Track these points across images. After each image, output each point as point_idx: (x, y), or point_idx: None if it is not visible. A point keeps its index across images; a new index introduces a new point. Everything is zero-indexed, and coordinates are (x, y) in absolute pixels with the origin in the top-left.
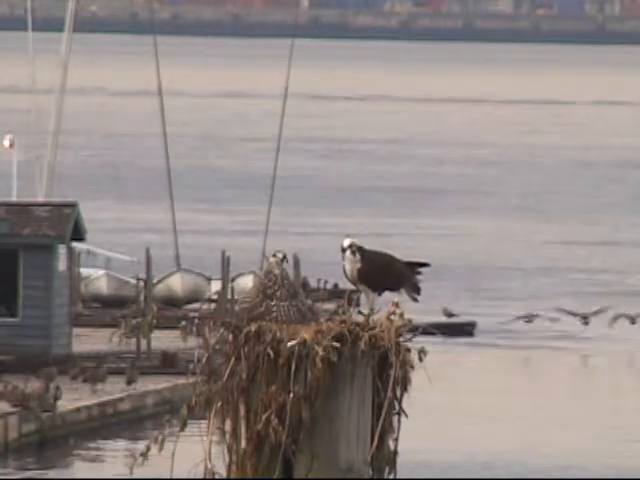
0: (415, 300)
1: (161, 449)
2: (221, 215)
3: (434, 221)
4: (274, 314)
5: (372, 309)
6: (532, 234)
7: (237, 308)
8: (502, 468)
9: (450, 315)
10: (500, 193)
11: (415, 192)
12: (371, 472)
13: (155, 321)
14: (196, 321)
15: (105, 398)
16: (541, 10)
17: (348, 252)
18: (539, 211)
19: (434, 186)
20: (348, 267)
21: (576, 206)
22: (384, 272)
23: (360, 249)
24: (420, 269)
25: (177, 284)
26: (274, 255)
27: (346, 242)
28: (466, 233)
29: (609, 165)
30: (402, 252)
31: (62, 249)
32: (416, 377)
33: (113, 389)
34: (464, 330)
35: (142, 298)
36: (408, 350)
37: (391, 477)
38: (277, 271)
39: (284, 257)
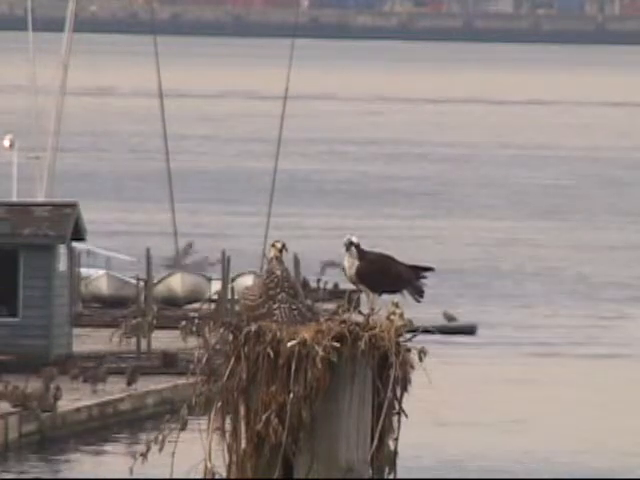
0: (418, 302)
1: (161, 449)
2: (221, 215)
3: (434, 222)
4: (275, 317)
5: (372, 309)
6: (534, 235)
7: (239, 304)
8: (502, 469)
9: (451, 319)
10: (501, 193)
11: (416, 192)
12: (371, 472)
13: (155, 321)
14: (196, 321)
15: (105, 398)
16: (541, 10)
17: (351, 250)
18: (541, 212)
19: (434, 186)
20: (347, 266)
21: (576, 207)
22: (382, 273)
23: (360, 249)
24: (424, 273)
25: (177, 284)
26: (273, 245)
27: (355, 239)
28: (467, 234)
29: (609, 165)
30: (402, 253)
31: (62, 249)
32: (415, 377)
33: (113, 389)
34: (465, 333)
35: (142, 298)
36: (408, 350)
37: (391, 477)
38: (278, 272)
39: (283, 246)
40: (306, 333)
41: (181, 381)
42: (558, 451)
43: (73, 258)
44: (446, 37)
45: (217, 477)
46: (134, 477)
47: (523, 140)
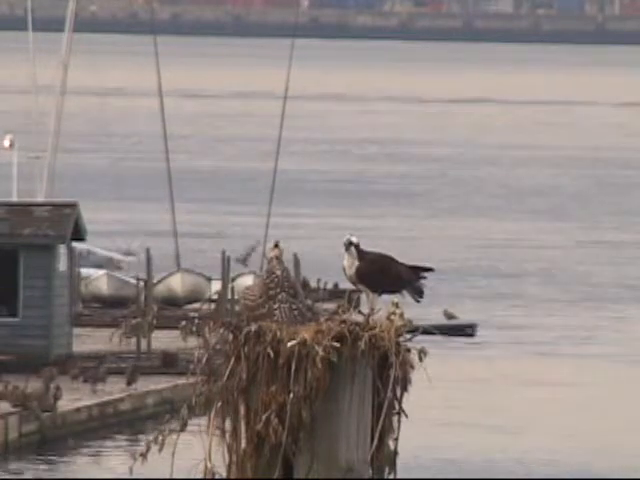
0: (417, 302)
1: (161, 449)
2: (221, 215)
3: (434, 222)
4: (275, 317)
5: (372, 309)
6: (534, 235)
7: (239, 304)
8: (502, 469)
9: (451, 317)
10: (501, 193)
11: (415, 192)
12: (371, 472)
13: (155, 321)
14: (196, 321)
15: (105, 398)
16: (541, 10)
17: (350, 250)
18: (541, 212)
19: (434, 186)
20: (347, 266)
21: (576, 207)
22: (382, 273)
23: (360, 249)
24: (424, 273)
25: (177, 284)
26: (276, 245)
27: (355, 239)
28: (467, 234)
29: (609, 165)
30: (402, 253)
31: (62, 249)
32: (415, 377)
33: (113, 389)
34: (465, 332)
35: (142, 298)
36: (408, 350)
37: (391, 477)
38: (278, 272)
39: (276, 245)
40: (306, 333)
41: (181, 381)
42: (558, 451)
43: (73, 258)
44: (446, 37)
45: (217, 477)
46: (134, 477)
47: (523, 140)
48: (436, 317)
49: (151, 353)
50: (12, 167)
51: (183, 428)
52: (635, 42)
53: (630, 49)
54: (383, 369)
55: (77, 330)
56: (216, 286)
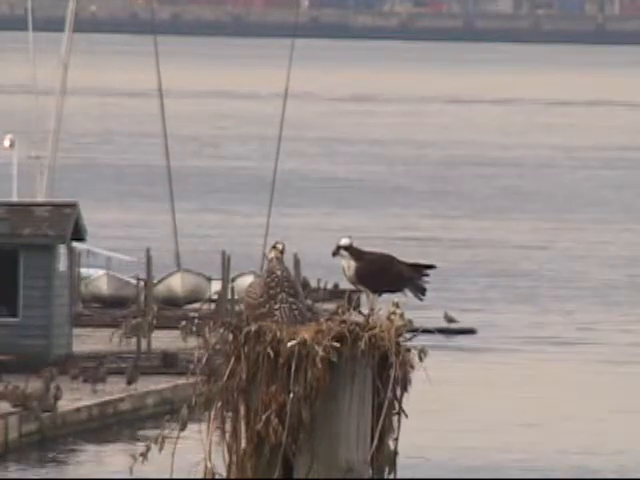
0: (420, 300)
1: (161, 449)
2: (221, 215)
3: (435, 222)
4: (276, 317)
5: (372, 309)
6: (535, 235)
7: (240, 304)
8: (503, 469)
9: (451, 320)
10: (501, 194)
11: (416, 192)
12: (371, 472)
13: (155, 321)
14: (196, 321)
15: (105, 398)
16: (541, 10)
17: (340, 254)
18: (541, 212)
19: (435, 186)
20: (346, 267)
21: (576, 207)
22: (382, 273)
23: (356, 249)
24: (425, 271)
25: (177, 284)
26: (274, 247)
27: (344, 241)
28: (467, 234)
29: (609, 165)
30: (402, 253)
31: (62, 249)
32: (415, 377)
33: (113, 389)
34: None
35: (142, 298)
36: (408, 350)
37: (391, 477)
38: (279, 272)
39: (284, 248)
40: (306, 333)
41: (181, 381)
42: (559, 451)
43: (73, 258)
44: (446, 37)
45: (217, 477)
46: (134, 477)
47: (523, 140)
48: (436, 319)
49: (151, 353)
50: (12, 167)
51: (183, 428)
52: (635, 42)
53: (630, 49)
54: (383, 369)
55: (77, 330)
56: (216, 286)
